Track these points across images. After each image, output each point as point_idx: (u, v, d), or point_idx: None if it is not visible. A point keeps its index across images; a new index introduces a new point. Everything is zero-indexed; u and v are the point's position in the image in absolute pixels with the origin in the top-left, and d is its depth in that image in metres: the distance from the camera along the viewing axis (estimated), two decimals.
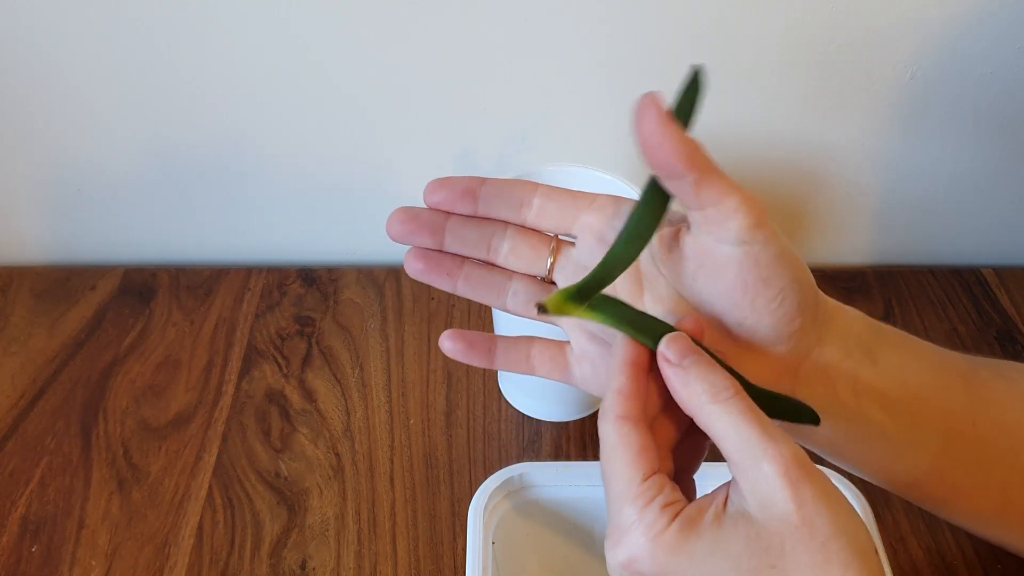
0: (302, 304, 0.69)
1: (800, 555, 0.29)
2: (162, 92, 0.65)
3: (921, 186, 0.71)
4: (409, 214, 0.37)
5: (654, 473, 0.32)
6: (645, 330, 0.35)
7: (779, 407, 0.34)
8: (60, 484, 0.56)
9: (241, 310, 0.68)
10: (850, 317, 0.38)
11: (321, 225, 0.73)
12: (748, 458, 0.30)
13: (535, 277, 0.38)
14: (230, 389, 0.62)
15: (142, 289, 0.70)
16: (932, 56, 0.63)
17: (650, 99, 0.31)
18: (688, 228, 0.35)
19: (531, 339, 0.39)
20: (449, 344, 0.39)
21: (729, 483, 0.32)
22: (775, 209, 0.70)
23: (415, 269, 0.38)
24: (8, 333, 0.66)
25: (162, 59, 0.63)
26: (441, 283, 0.38)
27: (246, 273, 0.71)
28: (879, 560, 0.30)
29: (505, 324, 0.58)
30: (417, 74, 0.64)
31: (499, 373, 0.62)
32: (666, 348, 0.33)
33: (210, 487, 0.56)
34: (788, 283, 0.34)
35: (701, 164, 0.32)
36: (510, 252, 0.38)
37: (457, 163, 0.69)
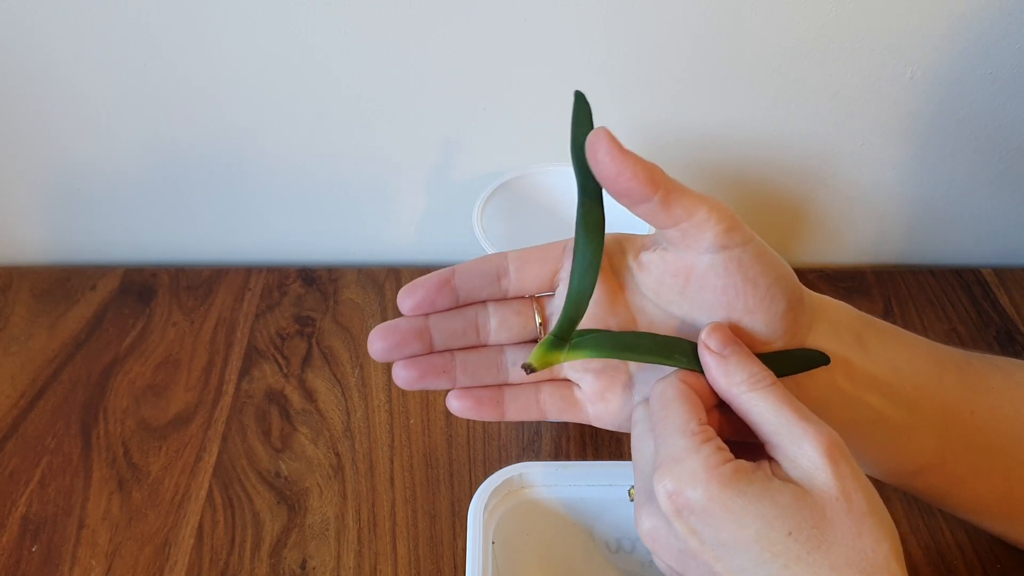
0: (302, 304, 0.69)
1: (838, 524, 0.31)
2: (162, 92, 0.65)
3: (921, 186, 0.71)
4: (388, 330, 0.36)
5: (706, 424, 0.34)
6: (632, 348, 0.36)
7: (787, 363, 0.36)
8: (60, 484, 0.56)
9: (241, 310, 0.68)
10: (838, 307, 0.39)
11: (321, 225, 0.73)
12: (788, 439, 0.32)
13: (528, 342, 0.38)
14: (230, 389, 0.62)
15: (142, 289, 0.70)
16: (932, 56, 0.63)
17: (599, 134, 0.32)
18: (655, 249, 0.36)
19: (537, 384, 0.39)
20: (457, 404, 0.38)
21: (766, 460, 0.33)
22: (775, 209, 0.71)
23: (409, 379, 0.37)
24: (8, 333, 0.66)
25: (162, 59, 0.63)
26: (439, 384, 0.37)
27: (246, 273, 0.72)
28: (900, 543, 0.32)
29: None
30: (417, 74, 0.64)
31: None
32: (708, 337, 0.34)
33: (210, 487, 0.56)
34: (774, 279, 0.35)
35: (663, 183, 0.33)
36: (499, 326, 0.37)
37: (457, 163, 0.69)
